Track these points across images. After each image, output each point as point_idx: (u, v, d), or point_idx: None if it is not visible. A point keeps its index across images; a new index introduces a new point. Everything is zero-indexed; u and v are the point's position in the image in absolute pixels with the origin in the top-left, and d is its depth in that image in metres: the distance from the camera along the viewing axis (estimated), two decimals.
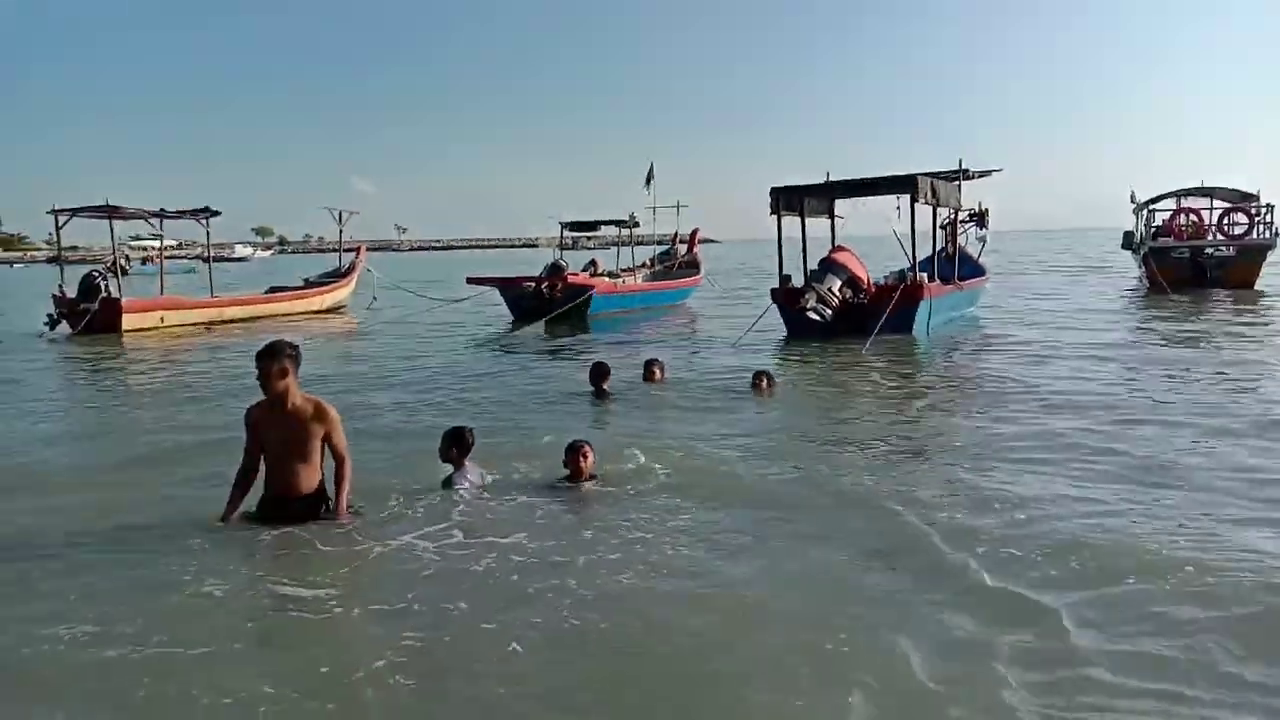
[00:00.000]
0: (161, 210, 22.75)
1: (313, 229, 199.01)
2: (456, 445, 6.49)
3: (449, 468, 6.47)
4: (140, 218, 22.71)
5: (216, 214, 23.82)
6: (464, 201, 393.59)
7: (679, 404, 10.03)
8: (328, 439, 5.50)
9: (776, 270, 17.40)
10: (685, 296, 27.52)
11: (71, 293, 21.05)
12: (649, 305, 24.67)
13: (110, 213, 21.70)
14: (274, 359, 5.36)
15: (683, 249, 29.59)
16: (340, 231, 29.20)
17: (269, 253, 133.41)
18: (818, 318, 16.01)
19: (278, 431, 5.46)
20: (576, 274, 23.35)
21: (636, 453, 7.28)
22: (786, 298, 16.67)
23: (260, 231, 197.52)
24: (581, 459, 6.54)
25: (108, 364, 15.81)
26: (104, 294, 20.91)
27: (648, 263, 28.99)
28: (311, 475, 5.53)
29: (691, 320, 22.72)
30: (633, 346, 16.09)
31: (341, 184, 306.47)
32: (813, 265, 16.88)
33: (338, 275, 28.26)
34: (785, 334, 16.56)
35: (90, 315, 20.33)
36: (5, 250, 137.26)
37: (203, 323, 22.42)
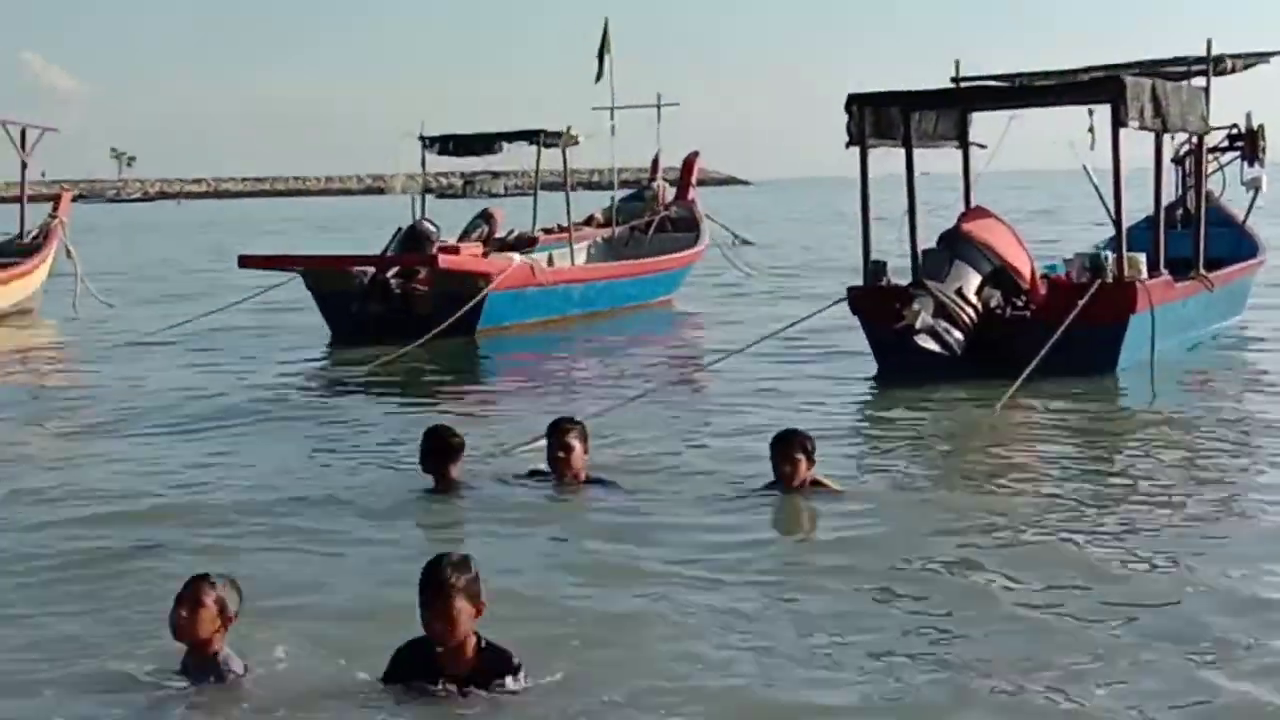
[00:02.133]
0: None
1: None
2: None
3: None
4: None
5: None
6: (251, 117, 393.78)
7: (612, 520, 9.96)
8: None
9: (861, 252, 17.59)
10: (674, 285, 27.78)
11: None
12: (597, 308, 24.86)
13: None
14: None
15: (667, 193, 29.75)
16: (23, 167, 28.86)
17: None
18: (936, 347, 15.72)
19: None
20: (456, 247, 23.15)
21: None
22: (877, 306, 16.68)
23: None
24: None
25: None
26: None
27: (597, 218, 28.80)
28: None
29: (682, 336, 22.76)
30: (556, 394, 16.66)
31: (10, 72, 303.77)
32: (928, 243, 16.93)
33: (17, 252, 27.73)
34: (875, 370, 17.04)
35: None
36: None
37: None
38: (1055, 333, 15.32)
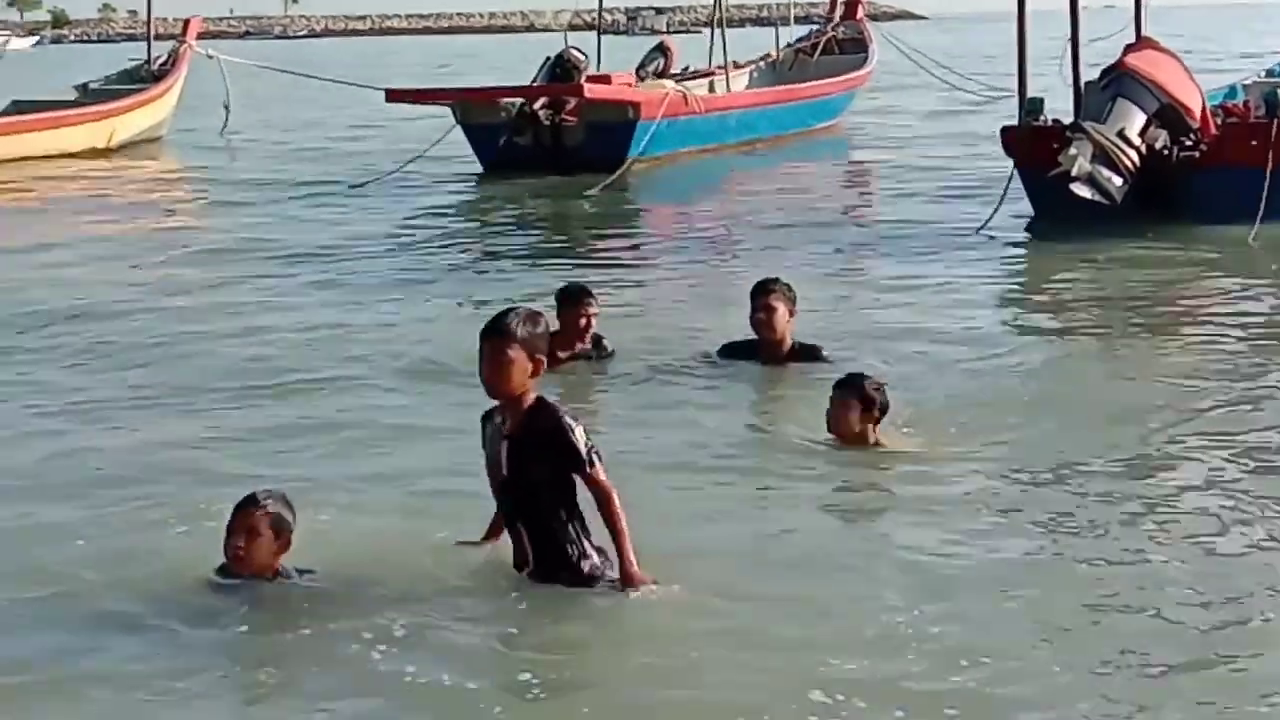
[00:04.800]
0: None
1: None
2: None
3: None
4: None
5: None
6: None
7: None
8: None
9: (1016, 88, 17.20)
10: (838, 109, 27.47)
11: None
12: (757, 134, 24.59)
13: None
14: None
15: (836, 22, 29.41)
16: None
17: (30, 41, 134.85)
18: (1093, 194, 15.24)
19: None
20: (606, 76, 23.15)
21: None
22: (1033, 148, 16.31)
23: (19, 3, 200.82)
24: None
25: None
26: None
27: (770, 56, 28.58)
28: None
29: (855, 169, 22.50)
30: (715, 243, 16.11)
31: None
32: (1090, 76, 16.46)
33: (144, 79, 28.24)
34: (1031, 215, 16.63)
35: None
36: None
37: None
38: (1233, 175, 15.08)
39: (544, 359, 5.70)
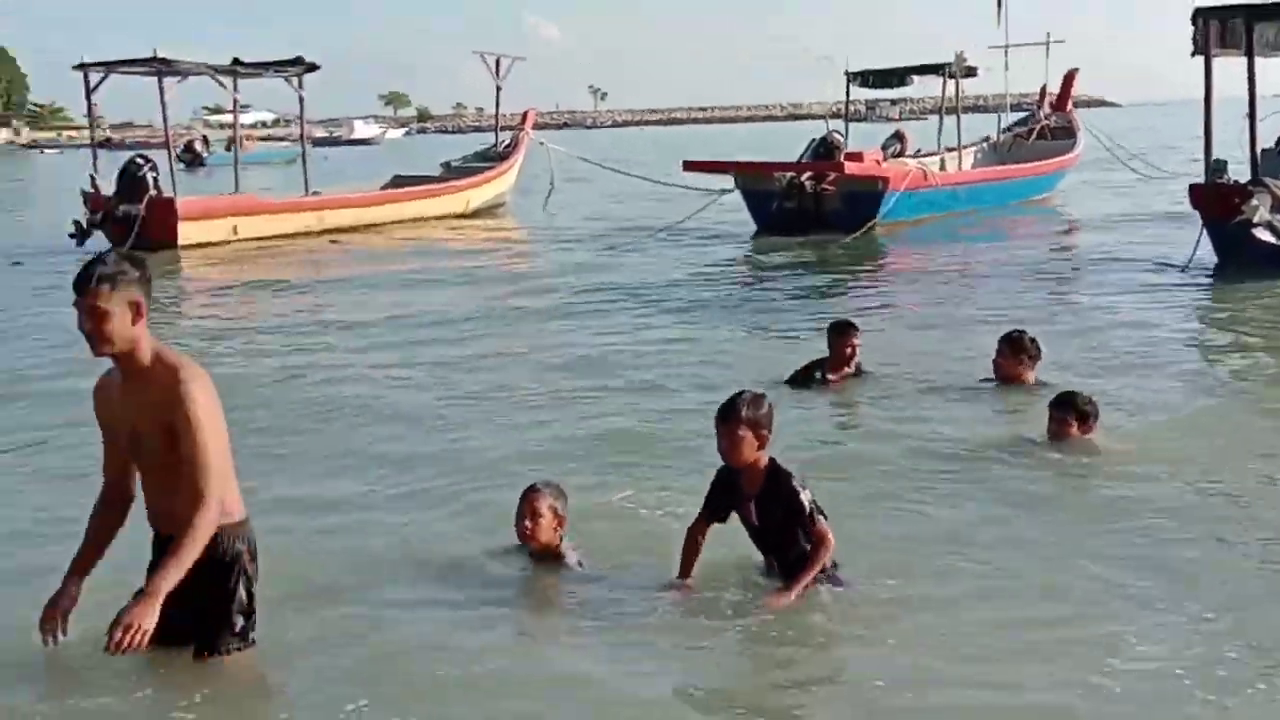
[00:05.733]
0: (235, 64, 23.38)
1: (468, 96, 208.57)
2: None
3: None
4: (203, 74, 23.44)
5: (312, 68, 24.54)
6: (697, 54, 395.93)
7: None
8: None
9: (1203, 152, 16.49)
10: (1050, 186, 26.52)
11: (109, 188, 21.87)
12: (982, 205, 23.78)
13: (159, 68, 22.52)
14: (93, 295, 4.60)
15: (1048, 112, 28.28)
16: (498, 91, 29.39)
17: (401, 131, 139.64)
18: (1273, 239, 14.80)
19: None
20: (860, 154, 22.32)
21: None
22: (1218, 202, 15.39)
23: (391, 101, 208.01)
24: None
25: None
26: (153, 191, 21.67)
27: (990, 139, 27.71)
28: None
29: (1065, 230, 21.68)
30: (953, 287, 15.62)
31: (513, 28, 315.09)
32: (1268, 142, 16.12)
33: (492, 159, 28.71)
34: (1215, 262, 15.75)
35: (134, 222, 21.00)
36: (33, 129, 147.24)
37: (292, 233, 23.02)
38: None
39: (768, 434, 5.67)
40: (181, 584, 4.59)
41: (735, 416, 5.60)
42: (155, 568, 4.71)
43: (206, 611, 4.80)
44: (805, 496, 5.58)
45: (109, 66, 22.85)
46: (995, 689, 4.66)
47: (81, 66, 22.62)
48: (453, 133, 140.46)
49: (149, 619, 4.45)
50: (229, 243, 22.02)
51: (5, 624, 5.12)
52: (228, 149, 43.87)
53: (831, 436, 8.54)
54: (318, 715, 4.60)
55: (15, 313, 15.16)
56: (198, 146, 31.66)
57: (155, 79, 22.87)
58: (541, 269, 18.88)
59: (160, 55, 22.21)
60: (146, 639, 4.48)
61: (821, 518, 5.59)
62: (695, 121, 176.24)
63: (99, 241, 21.20)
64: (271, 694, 4.85)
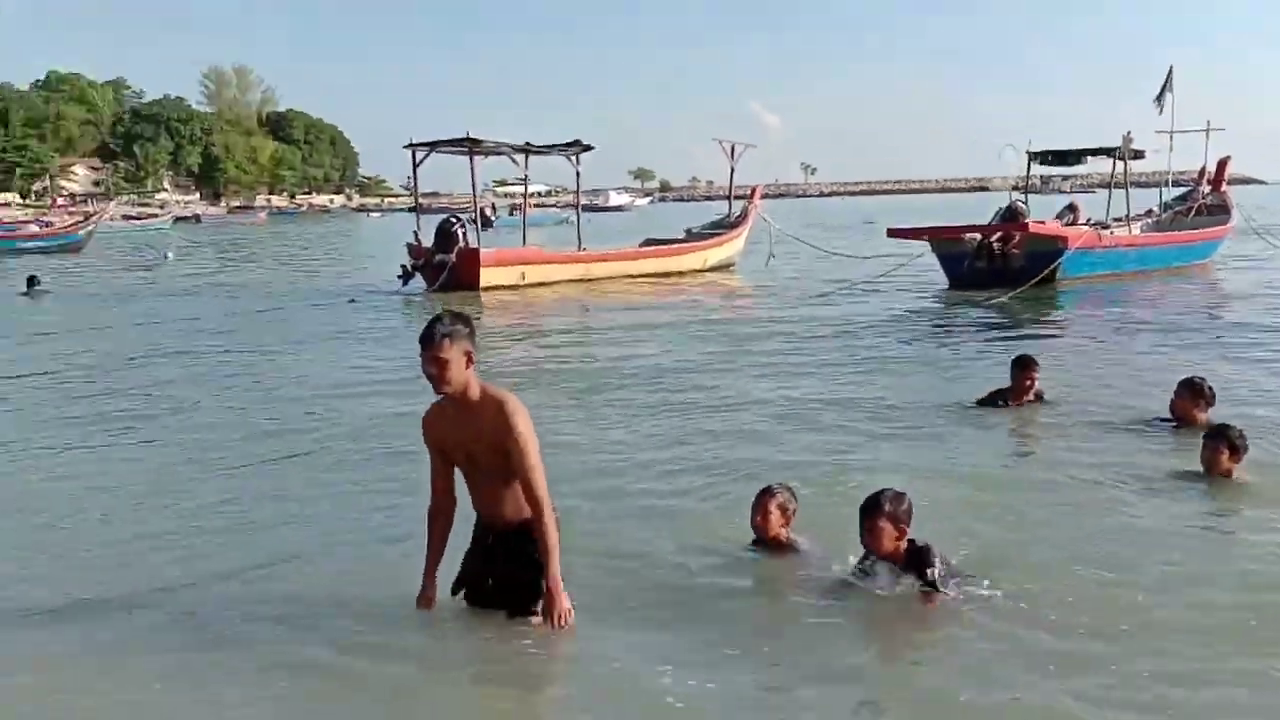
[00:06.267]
0: (527, 145, 24.95)
1: (701, 171, 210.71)
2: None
3: None
4: (502, 153, 25.15)
5: (588, 149, 25.78)
6: (893, 134, 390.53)
7: None
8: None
9: None
10: (1206, 254, 25.74)
11: (428, 242, 23.75)
12: (1147, 267, 23.33)
13: (470, 147, 24.18)
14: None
15: (1206, 190, 27.48)
16: (731, 171, 30.40)
17: (647, 200, 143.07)
18: None
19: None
20: (1041, 222, 22.33)
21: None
22: None
23: (639, 175, 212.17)
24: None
25: None
26: (462, 243, 23.36)
27: (1153, 211, 27.21)
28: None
29: (1214, 290, 21.08)
30: (1123, 334, 15.36)
31: (740, 115, 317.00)
32: None
33: (726, 226, 29.63)
34: None
35: (447, 268, 22.83)
36: (363, 195, 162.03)
37: (568, 280, 24.38)
38: None
39: (906, 526, 5.54)
40: (503, 561, 5.14)
41: (880, 510, 5.52)
42: (510, 556, 5.14)
43: (520, 583, 5.13)
44: (937, 570, 5.45)
45: (431, 146, 24.38)
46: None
47: (410, 146, 24.43)
48: (688, 201, 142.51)
49: (565, 600, 5.01)
50: (518, 286, 23.50)
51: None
52: (511, 214, 46.45)
53: (1005, 457, 8.55)
54: (624, 665, 4.89)
55: (352, 335, 17.01)
56: (488, 212, 33.50)
57: (466, 156, 24.51)
58: (763, 313, 19.06)
59: (471, 136, 23.85)
60: (572, 614, 5.03)
61: (942, 590, 5.43)
62: (891, 192, 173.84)
63: (418, 282, 23.24)
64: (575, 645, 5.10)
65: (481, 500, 5.19)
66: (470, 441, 5.01)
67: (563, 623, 5.01)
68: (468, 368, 4.89)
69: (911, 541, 5.53)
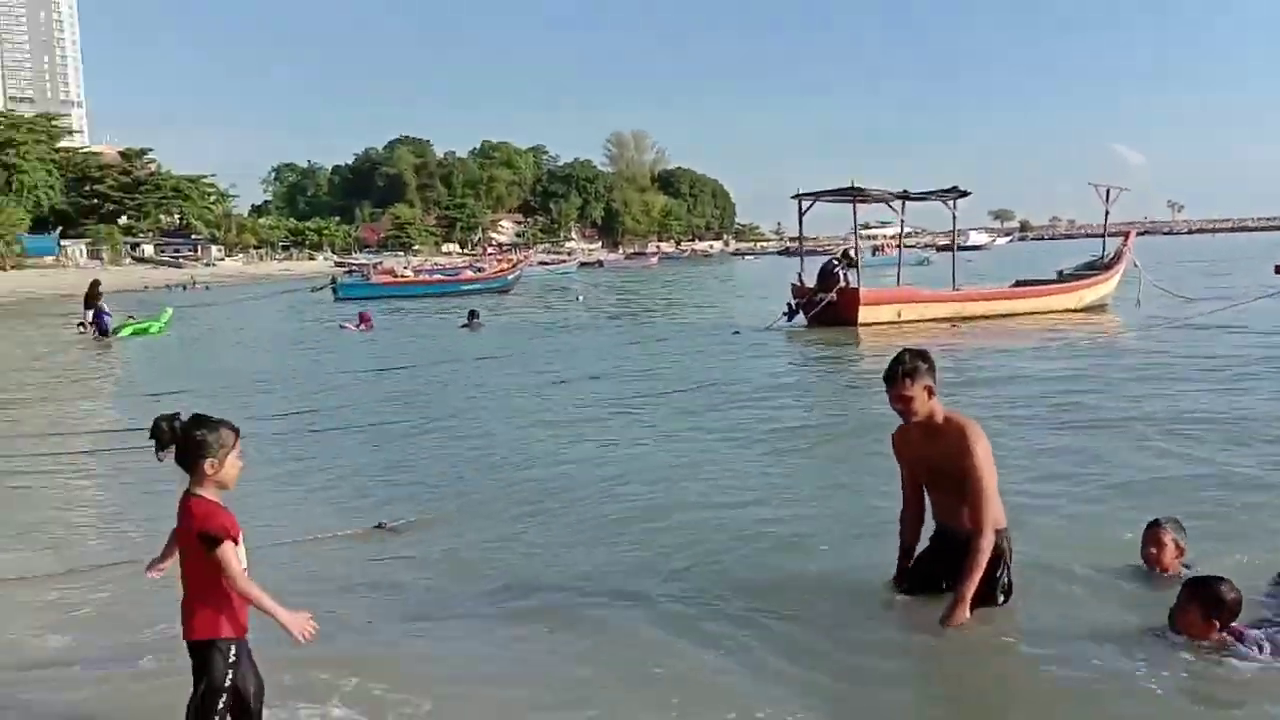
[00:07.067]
0: (905, 192, 24.48)
1: (1061, 210, 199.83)
2: None
3: None
4: (884, 201, 24.78)
5: (965, 194, 24.96)
6: (1268, 167, 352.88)
7: None
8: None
9: None
10: None
11: (810, 282, 23.81)
12: None
13: (855, 196, 24.00)
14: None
15: None
16: (1106, 214, 28.53)
17: (1006, 240, 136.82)
18: None
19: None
20: None
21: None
22: None
23: (999, 215, 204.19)
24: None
25: (838, 355, 18.26)
26: (842, 284, 23.23)
27: None
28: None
29: None
30: None
31: (1100, 156, 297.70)
32: None
33: (1099, 266, 27.72)
34: None
35: (826, 305, 22.76)
36: (738, 240, 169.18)
37: (942, 318, 23.59)
38: None
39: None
40: (955, 565, 5.15)
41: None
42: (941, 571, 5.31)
43: (980, 593, 5.11)
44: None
45: (816, 196, 24.46)
46: None
47: (797, 196, 24.61)
48: (1048, 239, 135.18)
49: (964, 612, 5.00)
50: (894, 323, 22.97)
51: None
52: (873, 254, 45.65)
53: None
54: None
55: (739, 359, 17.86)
56: (852, 254, 33.24)
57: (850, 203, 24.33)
58: (1142, 345, 17.85)
59: (856, 186, 23.70)
60: (963, 625, 5.00)
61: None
62: (1264, 229, 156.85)
63: (799, 319, 23.33)
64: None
65: (940, 510, 5.40)
66: (933, 459, 5.26)
67: (949, 625, 5.01)
68: (930, 399, 5.17)
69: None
